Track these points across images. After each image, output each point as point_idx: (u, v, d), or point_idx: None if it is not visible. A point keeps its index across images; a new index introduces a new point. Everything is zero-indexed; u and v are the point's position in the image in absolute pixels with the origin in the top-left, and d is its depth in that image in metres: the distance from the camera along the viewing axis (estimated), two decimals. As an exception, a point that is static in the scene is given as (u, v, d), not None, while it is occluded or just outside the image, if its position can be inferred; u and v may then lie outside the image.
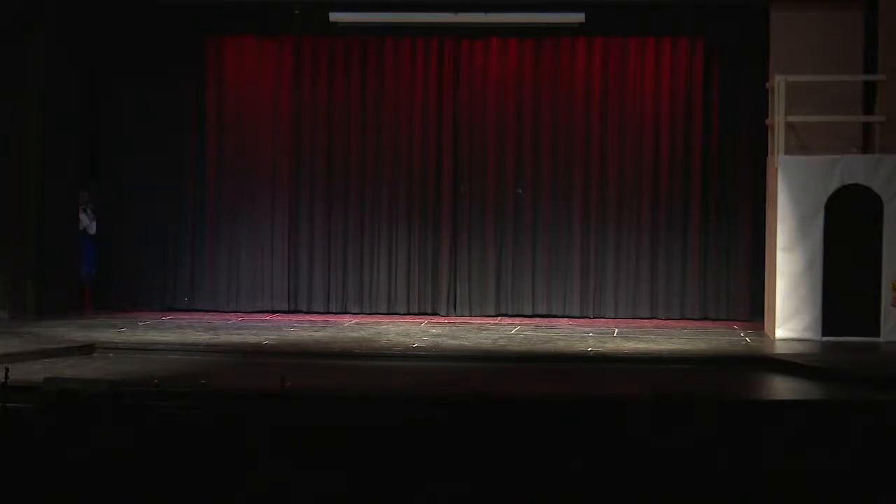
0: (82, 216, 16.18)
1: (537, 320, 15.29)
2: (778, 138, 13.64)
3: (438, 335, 13.70)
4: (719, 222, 15.44)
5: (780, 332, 13.36)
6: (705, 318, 15.26)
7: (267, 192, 16.08)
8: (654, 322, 15.23)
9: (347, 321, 15.05)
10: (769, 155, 14.14)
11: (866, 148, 13.84)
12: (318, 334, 13.79)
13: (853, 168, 13.41)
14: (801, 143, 13.76)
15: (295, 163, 16.10)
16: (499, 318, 15.44)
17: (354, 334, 13.79)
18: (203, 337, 13.33)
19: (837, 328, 13.29)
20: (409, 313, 15.77)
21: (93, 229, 16.30)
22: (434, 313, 15.73)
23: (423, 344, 12.95)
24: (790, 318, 13.37)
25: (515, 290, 15.79)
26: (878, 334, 13.20)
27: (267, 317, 15.46)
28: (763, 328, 14.04)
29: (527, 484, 5.93)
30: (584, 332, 14.10)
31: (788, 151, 13.60)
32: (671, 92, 15.62)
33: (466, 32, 15.66)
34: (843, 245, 13.27)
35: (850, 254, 13.28)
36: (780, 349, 12.76)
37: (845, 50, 13.89)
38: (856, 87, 13.96)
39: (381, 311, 15.82)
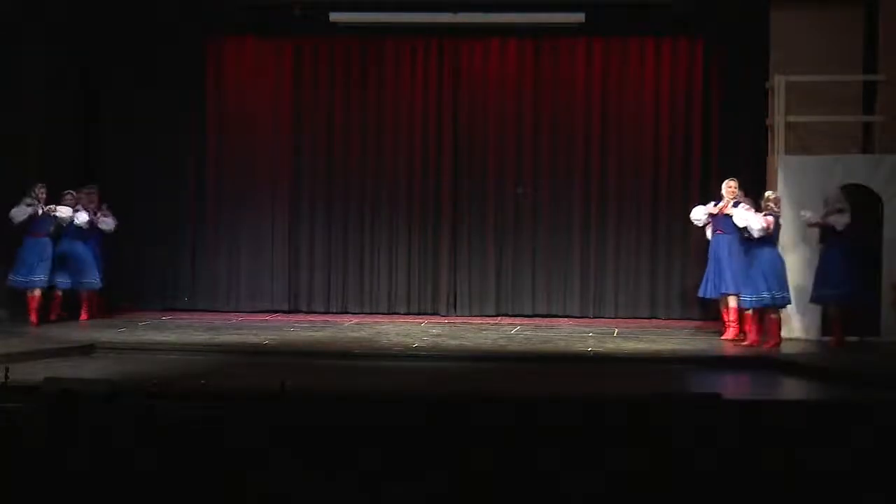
0: (80, 215, 14.37)
1: (537, 320, 15.30)
2: (778, 138, 13.64)
3: (438, 335, 13.70)
4: (719, 222, 15.44)
5: (781, 332, 13.34)
6: (705, 318, 15.25)
7: (267, 192, 16.09)
8: (654, 322, 15.24)
9: (347, 321, 15.05)
10: (769, 155, 14.14)
11: (866, 148, 13.84)
12: (318, 334, 13.78)
13: (853, 168, 13.41)
14: (801, 143, 13.76)
15: (295, 163, 16.11)
16: (499, 318, 15.44)
17: (354, 334, 13.79)
18: (203, 337, 13.33)
19: (837, 328, 13.28)
20: (409, 313, 15.78)
21: (108, 226, 14.84)
22: (434, 313, 15.75)
23: (423, 344, 12.94)
24: (790, 318, 13.36)
25: (515, 290, 15.80)
26: (878, 334, 13.19)
27: (267, 317, 15.46)
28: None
29: (525, 484, 5.94)
30: (584, 332, 14.10)
31: (788, 151, 13.60)
32: (671, 92, 15.64)
33: (466, 32, 15.67)
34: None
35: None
36: (781, 349, 12.75)
37: (845, 50, 13.90)
38: (856, 87, 13.96)
39: (381, 311, 15.84)
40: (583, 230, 15.76)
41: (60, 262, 14.32)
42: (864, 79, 13.90)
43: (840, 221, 12.77)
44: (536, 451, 6.29)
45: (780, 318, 12.92)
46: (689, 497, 5.89)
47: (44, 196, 14.07)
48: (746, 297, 12.74)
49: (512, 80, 15.83)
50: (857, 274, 12.80)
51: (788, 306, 13.16)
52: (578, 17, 14.92)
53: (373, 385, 10.61)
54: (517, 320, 15.27)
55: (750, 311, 12.94)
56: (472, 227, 15.89)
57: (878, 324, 13.21)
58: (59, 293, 14.54)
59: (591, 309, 15.68)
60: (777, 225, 12.69)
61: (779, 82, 13.60)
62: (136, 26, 15.71)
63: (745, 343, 12.97)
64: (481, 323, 15.01)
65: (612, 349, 12.78)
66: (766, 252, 12.62)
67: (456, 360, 12.15)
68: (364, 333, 13.82)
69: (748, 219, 12.65)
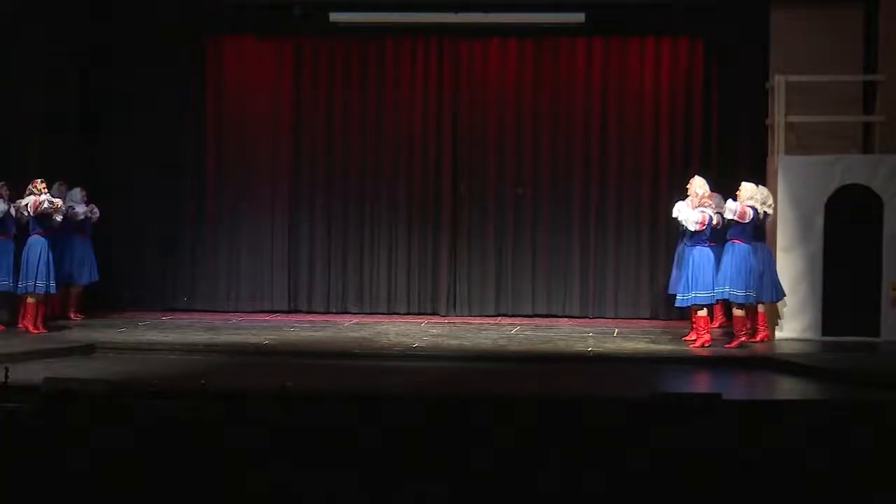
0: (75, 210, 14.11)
1: (537, 320, 15.30)
2: (778, 138, 13.64)
3: (438, 335, 13.70)
4: (719, 222, 15.43)
5: (780, 332, 13.36)
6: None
7: (267, 191, 16.10)
8: (654, 322, 15.23)
9: (347, 321, 15.05)
10: (769, 155, 14.14)
11: (866, 148, 13.84)
12: (318, 334, 13.78)
13: (853, 168, 13.41)
14: (801, 143, 13.76)
15: (295, 163, 16.11)
16: (499, 318, 15.44)
17: (354, 334, 13.79)
18: (203, 337, 13.33)
19: (837, 328, 13.27)
20: (409, 313, 15.78)
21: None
22: (434, 313, 15.75)
23: (423, 344, 12.95)
24: (790, 318, 13.37)
25: (515, 290, 15.80)
26: (878, 334, 13.19)
27: (267, 317, 15.46)
28: (763, 328, 14.03)
29: (525, 484, 5.94)
30: (584, 332, 14.10)
31: (788, 151, 13.60)
32: (671, 92, 15.64)
33: (466, 32, 15.67)
34: (843, 245, 13.26)
35: (850, 254, 13.27)
36: (780, 349, 12.75)
37: (845, 50, 13.89)
38: (856, 87, 13.96)
39: (381, 311, 15.84)
40: (583, 230, 15.76)
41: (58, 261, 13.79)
42: (864, 79, 13.90)
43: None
44: (536, 451, 6.29)
45: (709, 317, 12.94)
46: (690, 497, 5.89)
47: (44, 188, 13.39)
48: (679, 298, 12.76)
49: (512, 80, 15.84)
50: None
51: (789, 306, 13.22)
52: (578, 18, 14.92)
53: (373, 385, 10.61)
54: (517, 320, 15.26)
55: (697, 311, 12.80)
56: (472, 226, 15.89)
57: (878, 324, 13.21)
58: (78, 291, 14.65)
59: (590, 309, 15.68)
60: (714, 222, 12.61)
61: (779, 82, 13.59)
62: (136, 26, 15.71)
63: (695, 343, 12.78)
64: (481, 323, 15.01)
65: (612, 349, 12.78)
66: (695, 251, 12.61)
67: (456, 360, 12.16)
68: (364, 333, 13.82)
69: (686, 213, 12.64)
